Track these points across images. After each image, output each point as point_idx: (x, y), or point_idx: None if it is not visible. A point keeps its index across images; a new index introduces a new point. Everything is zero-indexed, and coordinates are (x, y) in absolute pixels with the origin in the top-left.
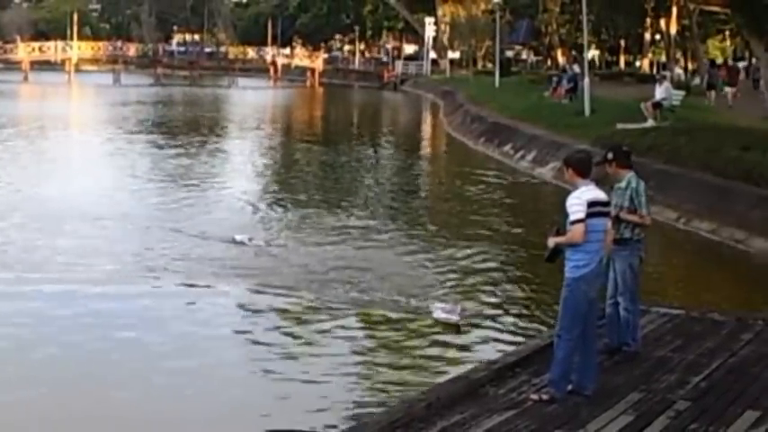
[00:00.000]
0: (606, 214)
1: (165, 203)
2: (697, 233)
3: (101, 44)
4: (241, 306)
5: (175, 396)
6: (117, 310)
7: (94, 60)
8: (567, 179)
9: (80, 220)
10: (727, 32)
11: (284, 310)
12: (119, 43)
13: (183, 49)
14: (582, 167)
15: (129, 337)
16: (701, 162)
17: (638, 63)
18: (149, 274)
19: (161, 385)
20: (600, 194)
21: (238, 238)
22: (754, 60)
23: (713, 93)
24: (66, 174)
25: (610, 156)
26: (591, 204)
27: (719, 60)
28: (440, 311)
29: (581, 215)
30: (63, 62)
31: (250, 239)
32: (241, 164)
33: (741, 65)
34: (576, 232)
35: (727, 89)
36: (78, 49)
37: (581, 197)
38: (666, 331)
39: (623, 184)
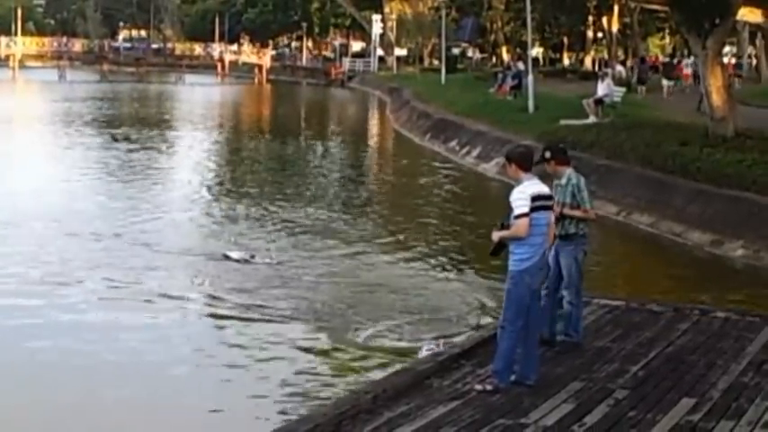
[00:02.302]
0: (549, 208)
1: (125, 209)
2: (637, 226)
3: (46, 40)
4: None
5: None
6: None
7: (39, 56)
8: (510, 174)
9: (15, 225)
10: (667, 30)
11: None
12: (64, 39)
13: (129, 45)
14: (524, 162)
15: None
16: (642, 157)
17: (580, 60)
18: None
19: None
20: (543, 188)
21: (234, 255)
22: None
23: (643, 87)
24: (9, 173)
25: (548, 154)
26: (534, 198)
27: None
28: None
29: (525, 209)
30: (7, 58)
31: (252, 257)
32: (196, 162)
33: (687, 61)
34: (520, 226)
35: (665, 82)
36: (23, 44)
37: (525, 191)
38: (606, 322)
39: (563, 181)
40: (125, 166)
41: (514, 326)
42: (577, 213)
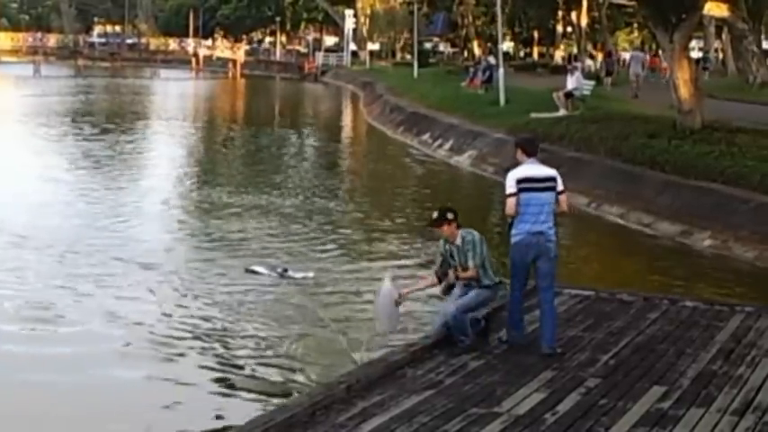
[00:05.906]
0: (540, 189)
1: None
2: (607, 217)
3: (20, 35)
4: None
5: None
6: None
7: (14, 51)
8: (517, 159)
9: None
10: (635, 25)
11: None
12: (38, 34)
13: (103, 40)
14: (527, 147)
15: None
16: (611, 149)
17: (550, 54)
18: None
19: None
20: (538, 171)
21: (262, 269)
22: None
23: (609, 79)
24: None
25: (450, 215)
26: (520, 181)
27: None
28: None
29: (510, 190)
30: None
31: (285, 271)
32: (178, 157)
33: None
34: (507, 206)
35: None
36: None
37: (514, 175)
38: (577, 312)
39: (458, 241)
40: (101, 160)
41: (514, 291)
42: (469, 274)
